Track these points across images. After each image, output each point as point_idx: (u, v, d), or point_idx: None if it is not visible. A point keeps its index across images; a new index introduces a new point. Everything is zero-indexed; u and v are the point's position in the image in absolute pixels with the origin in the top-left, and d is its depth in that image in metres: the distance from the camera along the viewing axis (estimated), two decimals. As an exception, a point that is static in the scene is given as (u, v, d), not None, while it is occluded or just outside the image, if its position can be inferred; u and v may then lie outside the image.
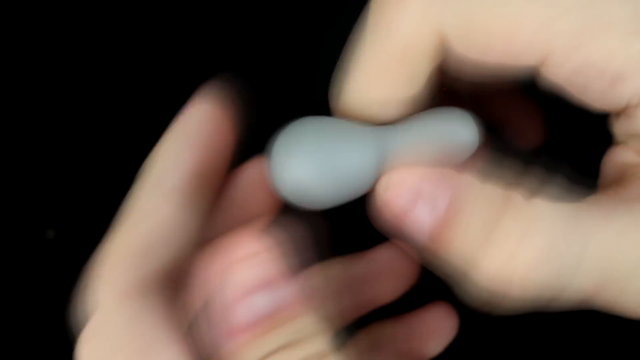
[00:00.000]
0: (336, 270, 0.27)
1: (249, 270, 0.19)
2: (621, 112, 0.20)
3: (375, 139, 0.20)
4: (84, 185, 0.32)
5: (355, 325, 0.27)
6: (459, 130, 0.21)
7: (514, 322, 0.29)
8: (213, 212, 0.23)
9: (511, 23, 0.19)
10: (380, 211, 0.20)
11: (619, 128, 0.20)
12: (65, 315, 0.31)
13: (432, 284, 0.25)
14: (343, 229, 0.30)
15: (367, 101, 0.21)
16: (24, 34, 0.33)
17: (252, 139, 0.23)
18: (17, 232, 0.32)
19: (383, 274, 0.26)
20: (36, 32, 0.33)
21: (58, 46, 0.33)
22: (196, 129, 0.22)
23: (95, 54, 0.33)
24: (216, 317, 0.19)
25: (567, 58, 0.19)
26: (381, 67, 0.21)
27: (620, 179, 0.20)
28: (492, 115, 0.27)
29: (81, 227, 0.32)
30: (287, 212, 0.23)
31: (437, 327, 0.26)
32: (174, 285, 0.22)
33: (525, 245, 0.19)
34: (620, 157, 0.21)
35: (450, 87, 0.23)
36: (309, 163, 0.20)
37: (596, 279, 0.19)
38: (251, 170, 0.24)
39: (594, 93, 0.19)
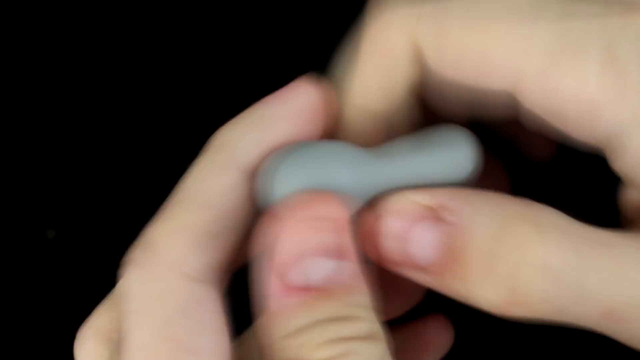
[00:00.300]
0: None
1: (316, 233, 0.18)
2: (608, 148, 0.19)
3: (366, 169, 0.20)
4: (83, 188, 0.32)
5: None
6: (455, 154, 0.20)
7: (509, 334, 0.29)
8: None
9: (483, 40, 0.19)
10: (376, 240, 0.19)
11: (616, 165, 0.20)
12: (64, 313, 0.31)
13: (430, 297, 0.25)
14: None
15: (354, 110, 0.21)
16: (24, 34, 0.33)
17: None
18: (18, 232, 0.32)
19: (390, 290, 0.26)
20: (37, 32, 0.33)
21: (59, 47, 0.33)
22: (290, 110, 0.20)
23: (95, 55, 0.33)
24: (273, 272, 0.18)
25: (539, 81, 0.19)
26: (364, 76, 0.21)
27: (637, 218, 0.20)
28: (502, 127, 0.26)
29: (80, 227, 0.32)
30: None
31: (433, 339, 0.26)
32: (227, 278, 0.20)
33: (524, 272, 0.18)
34: (631, 195, 0.20)
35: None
36: (298, 186, 0.19)
37: (601, 308, 0.18)
38: None
39: (570, 122, 0.19)
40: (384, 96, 0.21)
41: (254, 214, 0.20)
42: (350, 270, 0.18)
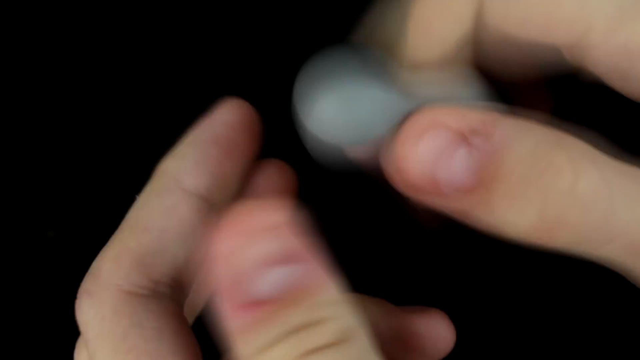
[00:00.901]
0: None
1: (268, 242, 0.17)
2: None
3: (397, 89, 0.20)
4: (83, 188, 0.32)
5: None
6: (468, 89, 0.21)
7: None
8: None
9: None
10: (402, 164, 0.19)
11: None
12: (64, 313, 0.31)
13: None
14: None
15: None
16: (24, 34, 0.33)
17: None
18: (18, 232, 0.32)
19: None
20: (37, 32, 0.33)
21: (59, 47, 0.33)
22: (221, 131, 0.22)
23: (95, 55, 0.33)
24: (229, 291, 0.17)
25: (608, 38, 0.18)
26: (416, 22, 0.20)
27: None
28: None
29: (80, 227, 0.32)
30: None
31: (432, 337, 0.24)
32: (182, 291, 0.21)
33: (553, 197, 0.18)
34: None
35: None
36: (332, 102, 0.20)
37: (626, 240, 0.18)
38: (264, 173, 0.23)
39: (634, 78, 0.19)
40: (435, 45, 0.21)
41: (206, 226, 0.21)
42: (307, 270, 0.17)
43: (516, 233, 0.19)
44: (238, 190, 0.23)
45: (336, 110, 0.20)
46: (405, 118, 0.20)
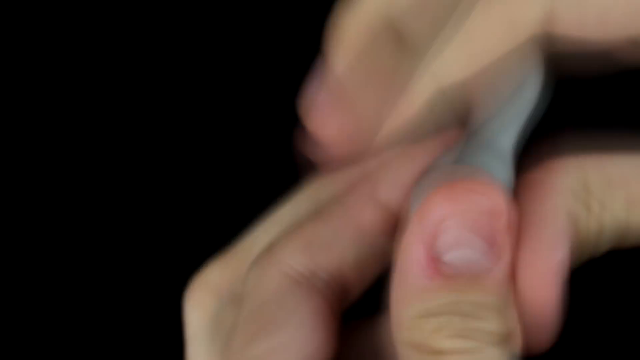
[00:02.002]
0: None
1: (482, 222, 0.18)
2: None
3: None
4: (82, 189, 0.32)
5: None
6: (532, 90, 0.21)
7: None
8: None
9: None
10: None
11: None
12: (64, 313, 0.31)
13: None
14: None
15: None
16: (24, 34, 0.33)
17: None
18: (18, 232, 0.32)
19: None
20: (37, 32, 0.33)
21: (59, 47, 0.33)
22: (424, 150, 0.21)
23: (95, 55, 0.33)
24: (429, 250, 0.18)
25: None
26: (482, 39, 0.20)
27: None
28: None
29: (80, 227, 0.32)
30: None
31: None
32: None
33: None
34: None
35: None
36: None
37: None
38: None
39: None
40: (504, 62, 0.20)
41: (387, 242, 0.20)
42: (502, 268, 0.18)
43: None
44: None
45: None
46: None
